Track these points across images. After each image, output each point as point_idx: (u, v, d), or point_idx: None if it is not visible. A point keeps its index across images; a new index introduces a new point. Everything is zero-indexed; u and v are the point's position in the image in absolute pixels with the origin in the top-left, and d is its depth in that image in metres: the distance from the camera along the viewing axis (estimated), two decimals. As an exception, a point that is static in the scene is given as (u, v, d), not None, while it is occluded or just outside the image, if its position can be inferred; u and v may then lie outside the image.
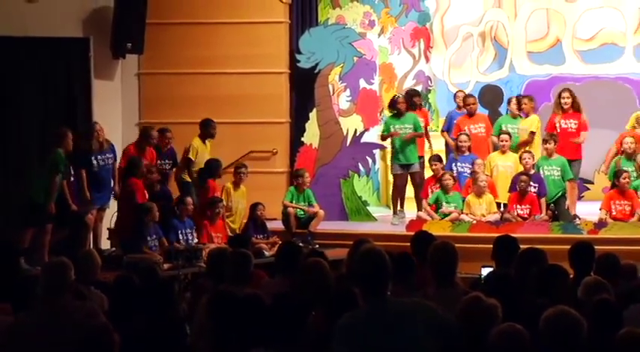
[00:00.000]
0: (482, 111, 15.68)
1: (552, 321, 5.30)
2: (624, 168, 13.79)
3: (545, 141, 14.20)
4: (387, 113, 15.48)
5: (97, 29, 15.30)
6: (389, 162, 15.97)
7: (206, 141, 14.27)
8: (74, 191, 12.82)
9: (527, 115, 14.86)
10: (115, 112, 15.56)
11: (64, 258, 6.33)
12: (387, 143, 15.28)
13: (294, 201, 14.34)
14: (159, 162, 13.79)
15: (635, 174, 13.86)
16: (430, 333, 5.27)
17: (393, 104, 15.04)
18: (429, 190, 14.48)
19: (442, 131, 15.64)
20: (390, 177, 15.41)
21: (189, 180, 14.08)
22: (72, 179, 12.80)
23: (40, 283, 6.28)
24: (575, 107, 14.41)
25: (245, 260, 7.50)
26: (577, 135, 14.32)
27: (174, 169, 14.12)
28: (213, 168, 13.74)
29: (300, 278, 6.95)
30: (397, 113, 14.85)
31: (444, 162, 14.79)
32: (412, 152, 14.76)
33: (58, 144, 12.43)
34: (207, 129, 14.25)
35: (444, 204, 14.14)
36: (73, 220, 12.72)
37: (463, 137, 14.58)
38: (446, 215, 14.01)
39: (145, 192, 12.99)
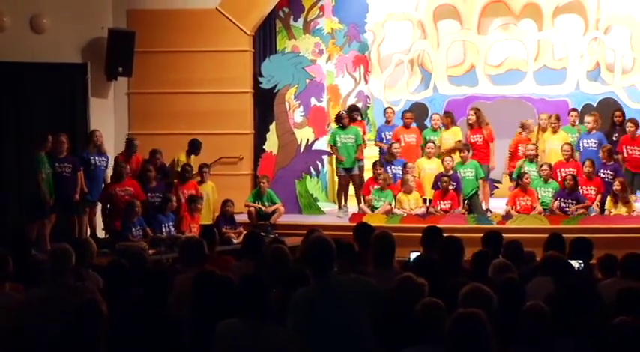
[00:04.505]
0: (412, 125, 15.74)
1: (468, 296, 5.36)
2: (527, 170, 13.95)
3: (460, 151, 14.41)
4: (334, 126, 15.56)
5: (93, 56, 15.24)
6: (334, 166, 15.97)
7: (191, 156, 14.24)
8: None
9: (447, 127, 15.05)
10: (108, 125, 15.49)
11: (67, 245, 6.30)
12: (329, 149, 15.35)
13: (257, 202, 14.34)
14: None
15: (536, 174, 14.01)
16: (364, 301, 5.41)
17: (338, 119, 15.14)
18: (370, 188, 14.51)
19: (376, 141, 15.72)
20: (336, 178, 15.44)
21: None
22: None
23: (48, 266, 6.24)
24: (479, 124, 14.62)
25: (198, 245, 7.37)
26: (484, 146, 14.59)
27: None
28: (181, 176, 13.75)
29: (265, 261, 6.96)
30: (342, 126, 14.94)
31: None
32: (353, 159, 14.86)
33: (39, 148, 12.34)
34: (193, 148, 14.26)
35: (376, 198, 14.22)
36: (60, 208, 12.68)
37: (396, 145, 14.75)
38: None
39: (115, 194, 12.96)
